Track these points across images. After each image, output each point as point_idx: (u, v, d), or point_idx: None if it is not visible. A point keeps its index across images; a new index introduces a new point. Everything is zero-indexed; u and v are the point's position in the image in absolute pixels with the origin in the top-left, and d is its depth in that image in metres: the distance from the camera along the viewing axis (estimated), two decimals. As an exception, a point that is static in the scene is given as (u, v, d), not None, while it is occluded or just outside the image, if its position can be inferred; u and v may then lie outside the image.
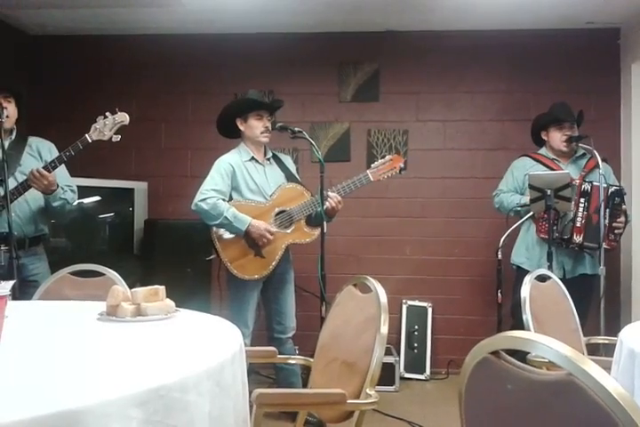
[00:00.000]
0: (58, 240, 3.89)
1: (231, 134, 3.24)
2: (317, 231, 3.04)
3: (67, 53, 4.54)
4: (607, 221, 3.19)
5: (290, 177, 3.21)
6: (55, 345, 1.39)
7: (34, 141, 3.05)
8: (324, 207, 3.00)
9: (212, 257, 3.12)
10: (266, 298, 3.23)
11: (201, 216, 3.05)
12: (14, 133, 3.00)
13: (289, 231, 3.08)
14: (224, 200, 3.04)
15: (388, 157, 3.13)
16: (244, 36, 4.39)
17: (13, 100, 2.94)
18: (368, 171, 3.09)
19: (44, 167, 2.76)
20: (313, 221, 3.07)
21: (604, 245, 3.16)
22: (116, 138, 2.69)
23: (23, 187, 2.79)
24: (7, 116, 2.85)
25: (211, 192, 3.02)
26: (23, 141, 3.02)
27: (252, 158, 3.16)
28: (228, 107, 3.26)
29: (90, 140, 2.72)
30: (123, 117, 2.70)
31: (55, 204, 2.94)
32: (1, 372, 1.14)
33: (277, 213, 3.09)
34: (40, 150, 3.03)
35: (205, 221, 3.05)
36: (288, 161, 3.33)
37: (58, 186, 2.86)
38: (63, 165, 2.90)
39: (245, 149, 3.18)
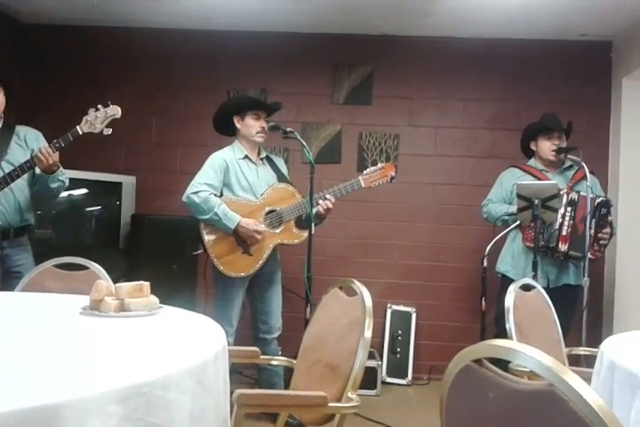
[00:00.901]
0: (43, 232, 3.85)
1: (226, 131, 3.24)
2: (306, 233, 3.03)
3: (60, 43, 4.51)
4: (593, 231, 3.22)
5: (281, 178, 3.21)
6: (37, 338, 1.38)
7: (21, 130, 3.03)
8: (315, 210, 3.01)
9: (199, 252, 3.11)
10: (252, 297, 3.23)
11: (191, 209, 3.04)
12: (1, 122, 2.97)
13: (278, 231, 3.09)
14: (216, 195, 3.04)
15: (380, 165, 3.15)
16: (239, 33, 4.38)
17: (2, 89, 2.92)
18: (360, 177, 3.11)
19: (51, 146, 2.73)
20: (303, 222, 3.08)
21: (589, 255, 3.19)
22: (107, 131, 2.66)
23: (10, 177, 2.76)
24: None
25: (203, 186, 3.02)
26: (10, 130, 2.99)
27: (246, 157, 3.16)
28: (227, 102, 3.26)
29: (80, 133, 2.70)
30: (115, 111, 2.67)
31: (53, 185, 2.91)
32: (-20, 364, 1.12)
33: (267, 213, 3.09)
34: (27, 139, 3.00)
35: (195, 214, 3.04)
36: (280, 163, 3.33)
37: (59, 167, 2.84)
38: None
39: (240, 147, 3.17)
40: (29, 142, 3.01)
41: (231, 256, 3.03)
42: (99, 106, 2.69)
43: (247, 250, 3.03)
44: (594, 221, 3.22)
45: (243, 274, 3.04)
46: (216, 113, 3.21)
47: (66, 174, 2.98)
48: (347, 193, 3.10)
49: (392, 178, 3.13)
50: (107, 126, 2.68)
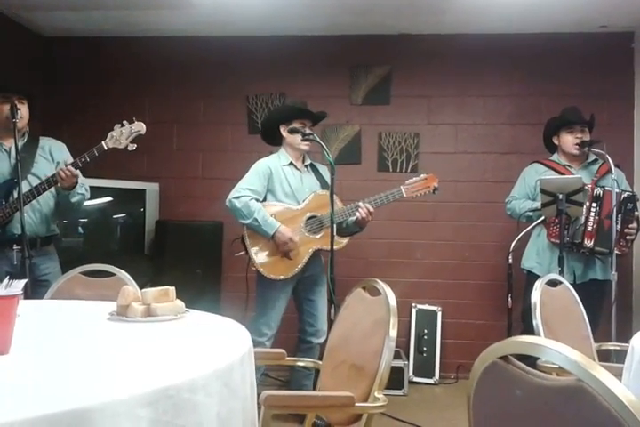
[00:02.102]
0: (70, 240, 3.92)
1: (273, 140, 3.29)
2: (346, 240, 3.11)
3: (79, 55, 4.58)
4: (619, 226, 3.17)
5: (325, 186, 3.24)
6: (66, 345, 1.40)
7: (46, 143, 3.08)
8: (355, 217, 3.08)
9: (240, 253, 3.16)
10: (298, 300, 3.28)
11: (233, 213, 3.10)
12: (26, 135, 3.02)
13: (318, 237, 3.12)
14: (257, 200, 3.09)
15: (423, 176, 3.18)
16: (255, 38, 4.40)
17: (26, 101, 2.97)
18: (402, 187, 3.13)
19: (72, 164, 2.77)
20: (343, 230, 3.12)
21: (616, 251, 3.15)
22: (132, 147, 2.70)
23: (37, 190, 2.80)
24: (21, 117, 2.88)
25: (245, 191, 3.08)
26: (35, 143, 3.04)
27: (291, 164, 3.21)
28: (274, 112, 3.32)
29: (106, 148, 2.74)
30: (139, 127, 2.71)
31: (74, 199, 2.96)
32: (12, 370, 1.15)
33: (308, 218, 3.14)
34: (52, 152, 3.06)
35: (237, 218, 3.10)
36: (324, 171, 3.35)
37: (77, 182, 2.89)
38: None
39: (285, 154, 3.23)
40: (55, 155, 3.06)
41: (272, 259, 3.09)
42: (124, 122, 2.72)
43: (287, 254, 3.08)
44: (620, 216, 3.17)
45: (282, 276, 3.08)
46: (263, 122, 3.29)
47: (86, 185, 3.02)
48: (388, 202, 3.13)
49: (435, 189, 3.14)
50: (131, 142, 2.72)
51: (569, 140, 3.41)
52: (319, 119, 3.28)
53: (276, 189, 3.15)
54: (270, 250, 3.09)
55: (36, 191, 2.81)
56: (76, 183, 2.86)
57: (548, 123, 3.56)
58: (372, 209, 3.07)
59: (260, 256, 3.09)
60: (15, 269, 2.78)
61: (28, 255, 2.66)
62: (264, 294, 3.16)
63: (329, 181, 3.29)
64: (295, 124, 3.14)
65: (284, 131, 3.19)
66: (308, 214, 3.14)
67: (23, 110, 2.93)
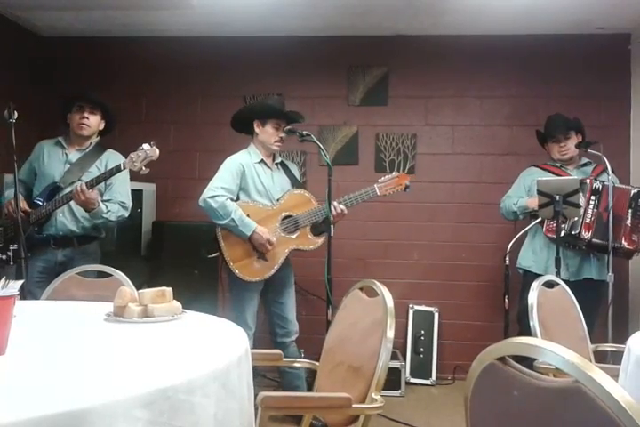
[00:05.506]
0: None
1: (242, 130, 3.25)
2: (321, 240, 3.07)
3: (78, 55, 4.56)
4: (629, 221, 3.20)
5: (295, 183, 3.23)
6: (62, 345, 1.40)
7: (107, 156, 3.18)
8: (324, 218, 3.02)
9: (215, 255, 3.13)
10: (266, 302, 3.24)
11: (207, 213, 3.04)
12: (91, 145, 3.17)
13: (294, 237, 3.10)
14: (232, 200, 3.05)
15: (394, 174, 3.17)
16: (253, 38, 4.40)
17: (100, 113, 3.15)
18: (375, 185, 3.13)
19: (87, 183, 2.88)
20: (319, 229, 3.10)
21: (625, 245, 3.16)
22: (145, 171, 2.75)
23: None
24: (88, 126, 3.11)
25: (220, 190, 3.02)
26: (98, 154, 3.16)
27: (262, 161, 3.17)
28: (251, 106, 3.28)
29: (123, 169, 2.81)
30: (153, 153, 2.74)
31: (96, 221, 3.07)
32: (9, 371, 1.14)
33: (284, 218, 3.10)
34: (107, 165, 3.11)
35: (211, 218, 3.05)
36: (294, 169, 3.34)
37: (99, 205, 2.96)
38: (123, 181, 3.10)
39: (255, 151, 3.18)
40: (109, 168, 3.08)
41: (247, 260, 3.05)
42: (143, 145, 2.75)
43: (262, 255, 3.04)
44: (630, 211, 3.22)
45: (258, 278, 3.05)
46: (238, 113, 3.24)
47: (121, 209, 3.10)
48: (362, 200, 3.11)
49: (406, 187, 3.13)
50: (145, 166, 2.76)
51: (554, 150, 3.50)
52: (294, 122, 3.22)
53: (249, 188, 3.10)
54: (245, 251, 3.04)
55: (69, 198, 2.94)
56: (96, 206, 2.95)
57: (537, 132, 3.59)
58: (345, 210, 3.04)
59: (234, 257, 3.04)
60: (51, 266, 3.00)
61: (25, 255, 2.66)
62: (240, 296, 3.11)
63: (299, 178, 3.30)
64: (269, 123, 3.12)
65: (257, 127, 3.15)
66: (284, 214, 3.10)
67: (92, 120, 3.12)
